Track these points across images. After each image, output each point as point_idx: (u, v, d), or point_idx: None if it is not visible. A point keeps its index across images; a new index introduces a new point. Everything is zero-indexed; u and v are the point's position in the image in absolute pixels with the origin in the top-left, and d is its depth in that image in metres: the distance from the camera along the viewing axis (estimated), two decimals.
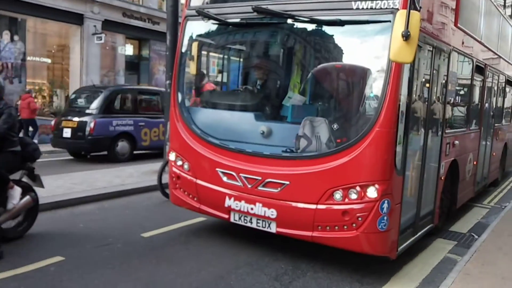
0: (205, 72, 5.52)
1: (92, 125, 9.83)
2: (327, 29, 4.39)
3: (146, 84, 20.94)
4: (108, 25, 19.11)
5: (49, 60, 19.06)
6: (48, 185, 7.20)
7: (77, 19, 18.14)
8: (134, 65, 21.87)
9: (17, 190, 4.73)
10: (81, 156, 11.18)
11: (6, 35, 16.31)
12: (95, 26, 18.61)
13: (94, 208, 6.35)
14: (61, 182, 7.54)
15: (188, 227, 5.61)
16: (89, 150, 10.67)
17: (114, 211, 6.26)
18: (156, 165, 9.39)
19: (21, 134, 13.73)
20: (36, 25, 17.90)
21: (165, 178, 6.52)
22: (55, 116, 14.82)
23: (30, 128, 13.49)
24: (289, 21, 4.46)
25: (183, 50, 5.14)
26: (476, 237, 5.73)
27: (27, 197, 4.87)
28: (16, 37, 16.61)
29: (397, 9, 3.73)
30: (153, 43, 21.54)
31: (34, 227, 5.33)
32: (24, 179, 5.06)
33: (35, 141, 13.07)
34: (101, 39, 18.42)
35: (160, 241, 5.08)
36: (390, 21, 3.78)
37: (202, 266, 4.39)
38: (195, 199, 4.91)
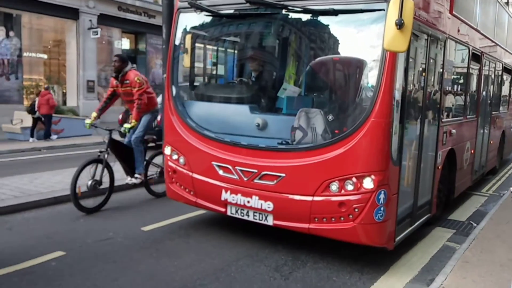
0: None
1: (159, 118, 10.54)
2: (320, 18, 4.34)
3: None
4: (104, 19, 19.04)
5: (45, 56, 19.02)
6: (47, 181, 7.26)
7: (72, 13, 18.06)
8: (130, 59, 21.50)
9: None
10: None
11: (2, 31, 16.24)
12: (90, 20, 18.54)
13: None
14: (60, 178, 7.54)
15: (187, 220, 5.61)
16: (157, 140, 11.78)
17: (114, 205, 6.23)
18: (156, 159, 9.36)
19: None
20: (32, 20, 17.82)
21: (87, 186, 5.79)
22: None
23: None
24: (283, 11, 4.41)
25: (176, 43, 5.10)
26: (475, 225, 5.74)
27: None
28: (11, 33, 16.55)
29: None
30: (150, 37, 21.48)
31: (35, 224, 5.33)
32: None
33: (33, 138, 13.18)
34: (97, 34, 18.35)
35: (160, 234, 5.08)
36: (384, 9, 3.73)
37: (202, 258, 4.40)
38: (192, 193, 4.90)
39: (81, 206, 5.75)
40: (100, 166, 5.95)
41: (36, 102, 13.26)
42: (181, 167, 4.95)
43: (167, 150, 5.12)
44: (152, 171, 6.87)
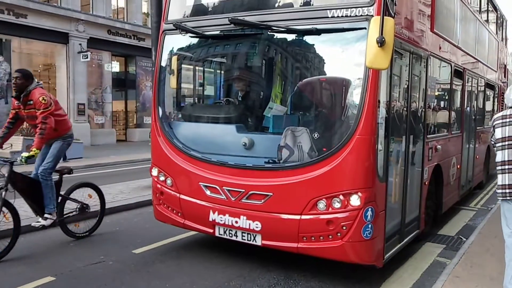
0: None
1: None
2: (304, 38, 4.40)
3: (135, 101, 20.89)
4: (94, 43, 19.18)
5: None
6: None
7: (62, 38, 18.18)
8: (121, 81, 21.92)
9: None
10: None
11: None
12: (80, 44, 18.66)
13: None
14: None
15: (178, 242, 5.57)
16: None
17: (105, 228, 6.15)
18: (146, 181, 9.26)
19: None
20: (21, 45, 17.89)
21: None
22: None
23: None
24: (267, 31, 4.47)
25: (163, 64, 5.14)
26: (464, 239, 5.75)
27: None
28: (1, 58, 16.57)
29: (372, 16, 3.75)
30: (139, 59, 21.66)
31: (24, 248, 5.22)
32: None
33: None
34: (87, 57, 18.46)
35: (151, 257, 5.03)
36: (365, 28, 3.79)
37: (194, 280, 4.35)
38: (179, 214, 4.86)
39: None
40: None
41: None
42: (169, 189, 4.92)
43: (154, 171, 5.10)
44: (71, 208, 5.74)
